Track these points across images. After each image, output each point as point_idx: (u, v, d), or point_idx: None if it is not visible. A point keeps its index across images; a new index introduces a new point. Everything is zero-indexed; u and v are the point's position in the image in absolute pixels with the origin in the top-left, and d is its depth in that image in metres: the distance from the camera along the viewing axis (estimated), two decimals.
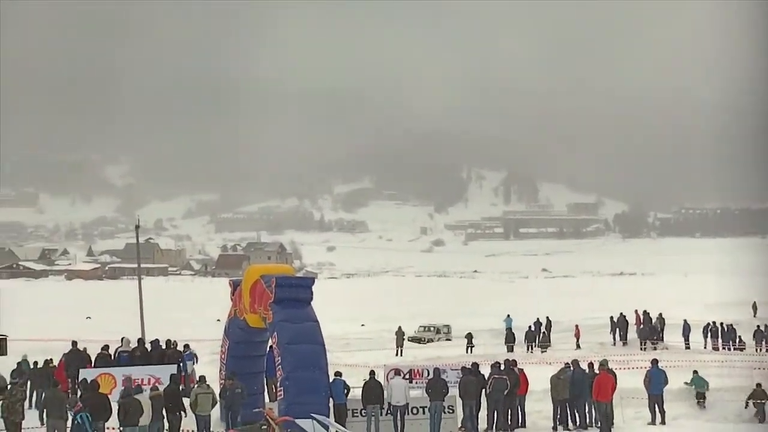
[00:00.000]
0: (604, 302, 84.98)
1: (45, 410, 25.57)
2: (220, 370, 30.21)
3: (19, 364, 36.38)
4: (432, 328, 65.93)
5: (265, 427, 24.59)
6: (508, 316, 61.06)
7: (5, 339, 36.45)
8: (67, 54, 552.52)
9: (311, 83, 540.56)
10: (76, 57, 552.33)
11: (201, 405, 26.51)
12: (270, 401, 30.00)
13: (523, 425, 29.34)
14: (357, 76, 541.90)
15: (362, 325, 74.16)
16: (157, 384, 29.20)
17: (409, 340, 61.11)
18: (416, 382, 33.64)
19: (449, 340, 62.85)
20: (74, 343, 35.44)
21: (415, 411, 28.93)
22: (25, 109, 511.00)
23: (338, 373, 28.63)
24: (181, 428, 26.68)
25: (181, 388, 28.93)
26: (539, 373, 32.67)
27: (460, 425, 28.92)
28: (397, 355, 54.62)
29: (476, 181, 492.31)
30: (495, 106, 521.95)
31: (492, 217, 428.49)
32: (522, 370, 30.31)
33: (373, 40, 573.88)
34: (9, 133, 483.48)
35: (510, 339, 56.03)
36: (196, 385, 27.56)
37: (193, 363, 36.70)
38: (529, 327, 57.83)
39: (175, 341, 35.80)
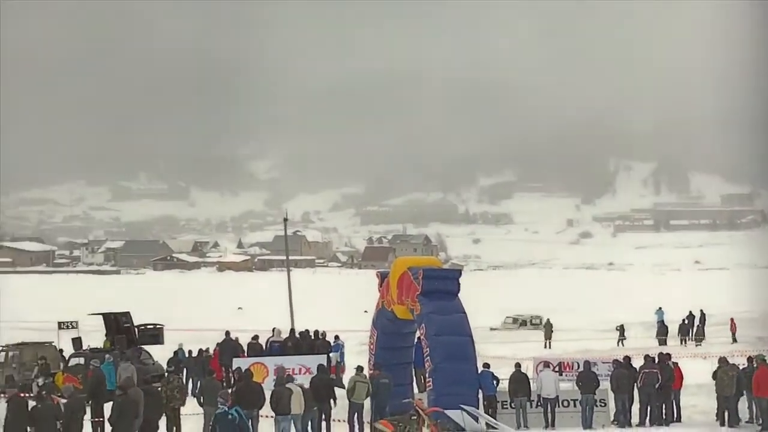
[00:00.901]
0: (761, 295, 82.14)
1: (202, 398, 26.19)
2: (369, 361, 30.37)
3: (175, 353, 37.44)
4: (517, 319, 65.81)
5: (414, 417, 24.61)
6: (660, 308, 59.60)
7: (162, 328, 37.49)
8: (215, 49, 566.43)
9: (455, 74, 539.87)
10: (225, 53, 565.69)
11: (357, 393, 26.72)
12: (419, 392, 30.03)
13: (678, 420, 28.57)
14: (500, 67, 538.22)
15: (508, 317, 73.71)
16: (308, 373, 29.65)
17: (490, 330, 61.56)
18: (566, 375, 33.17)
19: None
20: (227, 333, 36.27)
21: (565, 404, 28.55)
22: (179, 106, 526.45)
23: (487, 365, 28.47)
24: (332, 417, 26.96)
25: (331, 377, 29.25)
26: (694, 367, 31.78)
27: (612, 419, 28.40)
28: (545, 347, 54.07)
29: (624, 171, 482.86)
30: (643, 96, 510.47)
31: (641, 209, 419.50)
32: (677, 363, 29.49)
33: (514, 30, 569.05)
34: (163, 130, 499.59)
35: (662, 332, 54.77)
36: (354, 373, 27.79)
37: (342, 353, 37.10)
38: (683, 320, 56.40)
39: (324, 332, 36.21)
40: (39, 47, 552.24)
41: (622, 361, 29.25)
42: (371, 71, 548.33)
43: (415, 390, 30.48)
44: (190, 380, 35.07)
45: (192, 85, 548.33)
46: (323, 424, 26.78)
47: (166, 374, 28.94)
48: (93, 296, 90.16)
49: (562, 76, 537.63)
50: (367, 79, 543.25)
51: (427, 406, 25.44)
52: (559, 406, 28.28)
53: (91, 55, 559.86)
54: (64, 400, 23.15)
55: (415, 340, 30.11)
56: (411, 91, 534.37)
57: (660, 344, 51.66)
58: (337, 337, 37.80)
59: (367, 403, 27.33)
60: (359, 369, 27.94)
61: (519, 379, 28.23)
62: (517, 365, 29.10)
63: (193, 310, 72.45)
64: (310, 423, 25.89)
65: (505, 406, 28.19)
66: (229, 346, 34.46)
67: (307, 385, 26.50)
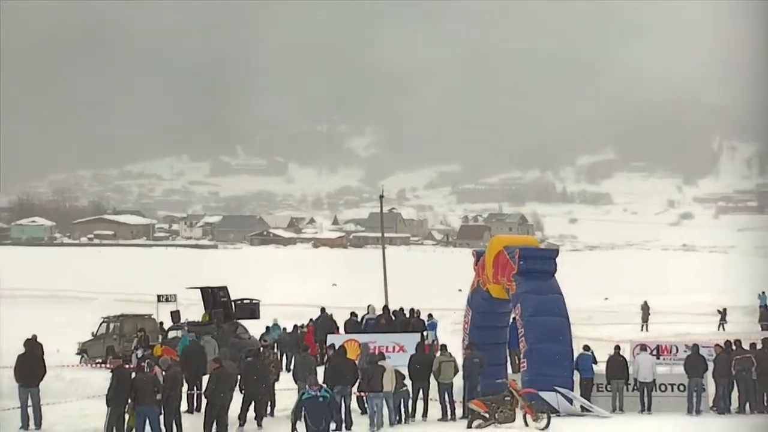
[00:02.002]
0: None
1: (296, 373, 26.36)
2: (463, 340, 30.21)
3: (268, 328, 37.77)
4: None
5: (508, 398, 24.41)
6: (763, 293, 58.03)
7: (258, 303, 37.86)
8: (315, 25, 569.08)
9: (554, 53, 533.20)
10: (323, 28, 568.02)
11: (444, 373, 26.57)
12: (513, 372, 29.78)
13: None
14: (599, 44, 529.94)
15: (606, 298, 72.67)
16: (401, 351, 29.61)
17: None
18: (664, 359, 32.54)
19: None
20: (323, 310, 36.44)
21: (663, 388, 28.00)
22: (279, 82, 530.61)
23: (587, 347, 28.14)
24: (429, 396, 26.87)
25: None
26: None
27: (711, 404, 27.77)
28: (642, 330, 53.18)
29: (728, 152, 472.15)
30: (746, 74, 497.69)
31: (745, 190, 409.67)
32: None
33: (615, 6, 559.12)
34: (263, 106, 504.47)
35: (765, 317, 53.37)
36: (439, 353, 27.66)
37: (436, 332, 36.98)
38: None
39: (418, 310, 36.12)
40: (136, 22, 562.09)
41: (723, 345, 28.59)
42: (467, 51, 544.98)
43: (509, 370, 30.22)
44: (284, 356, 35.35)
45: (292, 62, 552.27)
46: (420, 403, 26.68)
47: (261, 349, 29.18)
48: (191, 270, 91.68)
49: (667, 51, 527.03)
50: (464, 59, 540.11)
51: (521, 387, 25.23)
52: (656, 390, 27.76)
53: (190, 28, 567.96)
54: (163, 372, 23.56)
55: (510, 320, 29.87)
56: (508, 71, 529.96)
57: (762, 329, 50.34)
58: (430, 316, 37.69)
59: (458, 382, 27.16)
60: (444, 348, 27.79)
61: (617, 362, 27.79)
62: (617, 348, 28.65)
63: (289, 286, 73.06)
64: (402, 402, 25.81)
65: (600, 389, 27.78)
66: (324, 323, 34.61)
67: (400, 364, 26.46)
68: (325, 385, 20.80)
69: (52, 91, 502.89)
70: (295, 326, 37.36)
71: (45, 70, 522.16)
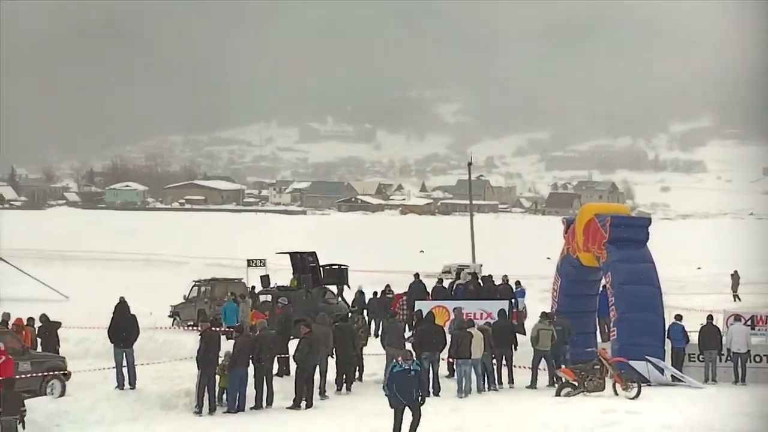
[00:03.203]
0: None
1: (384, 339, 26.48)
2: (552, 308, 30.00)
3: (362, 293, 37.93)
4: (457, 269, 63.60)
5: (597, 367, 24.20)
6: None
7: (346, 269, 38.03)
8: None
9: (652, 19, 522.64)
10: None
11: (542, 340, 26.41)
12: (602, 341, 29.50)
13: None
14: (695, 10, 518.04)
15: (698, 268, 71.37)
16: (489, 318, 29.50)
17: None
18: (759, 329, 31.81)
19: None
20: (416, 276, 36.49)
21: (757, 359, 27.45)
22: (367, 48, 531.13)
23: (679, 317, 27.70)
24: (513, 363, 26.79)
25: (513, 323, 29.04)
26: None
27: None
28: (734, 300, 52.16)
29: None
30: None
31: None
32: None
33: None
34: (352, 73, 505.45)
35: None
36: (538, 320, 27.48)
37: (524, 299, 36.77)
38: None
39: (506, 277, 35.92)
40: None
41: None
42: (559, 18, 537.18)
43: (599, 339, 29.93)
44: (372, 321, 35.51)
45: (380, 29, 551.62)
46: (504, 369, 26.63)
47: (349, 314, 29.36)
48: (280, 235, 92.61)
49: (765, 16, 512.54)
50: (556, 26, 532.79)
51: (610, 356, 24.98)
52: (750, 362, 27.23)
53: None
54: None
55: (600, 288, 29.56)
56: (600, 37, 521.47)
57: None
58: (518, 283, 37.47)
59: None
60: (543, 315, 27.59)
61: (710, 332, 27.31)
62: (709, 317, 28.13)
63: (376, 252, 73.36)
64: (484, 366, 25.75)
65: (692, 359, 27.36)
66: (416, 289, 34.65)
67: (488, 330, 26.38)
68: (415, 359, 20.59)
69: (146, 58, 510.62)
70: (383, 292, 37.45)
71: (137, 38, 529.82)
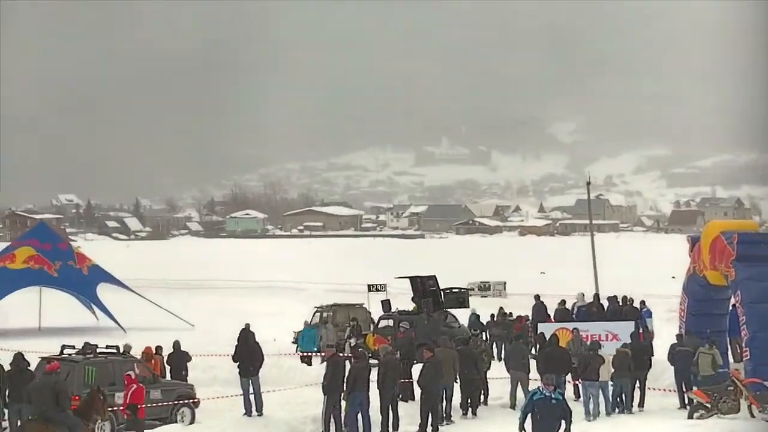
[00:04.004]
0: None
1: (508, 362, 26.24)
2: (680, 328, 29.28)
3: (493, 316, 37.71)
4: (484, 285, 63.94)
5: (731, 388, 23.51)
6: None
7: (467, 292, 37.90)
8: (522, 14, 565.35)
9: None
10: (531, 16, 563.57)
11: (702, 366, 25.58)
12: (734, 362, 28.64)
13: None
14: None
15: None
16: (614, 340, 28.97)
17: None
18: None
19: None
20: (537, 297, 36.10)
21: None
22: (480, 71, 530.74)
23: None
24: (646, 386, 26.19)
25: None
26: None
27: None
28: None
29: None
30: None
31: None
32: None
33: None
34: (466, 95, 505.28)
35: None
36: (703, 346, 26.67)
37: (651, 320, 36.01)
38: None
39: (631, 298, 35.25)
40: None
41: None
42: (675, 31, 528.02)
43: (731, 359, 29.07)
44: (494, 344, 35.27)
45: (495, 50, 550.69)
46: (637, 392, 26.05)
47: (471, 338, 29.16)
48: (398, 260, 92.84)
49: None
50: (672, 39, 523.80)
51: (744, 377, 24.22)
52: None
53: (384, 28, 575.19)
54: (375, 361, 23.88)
55: (730, 307, 28.75)
56: (722, 49, 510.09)
57: None
58: (643, 303, 36.71)
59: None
60: (706, 340, 26.70)
61: None
62: None
63: (496, 275, 72.82)
64: (619, 389, 25.23)
65: None
66: (538, 311, 34.32)
67: (612, 353, 25.88)
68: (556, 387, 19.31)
69: (263, 87, 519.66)
70: (505, 314, 37.20)
71: (252, 66, 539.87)
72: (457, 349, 25.47)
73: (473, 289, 61.44)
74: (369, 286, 42.71)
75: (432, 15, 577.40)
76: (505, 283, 66.62)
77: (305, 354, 34.49)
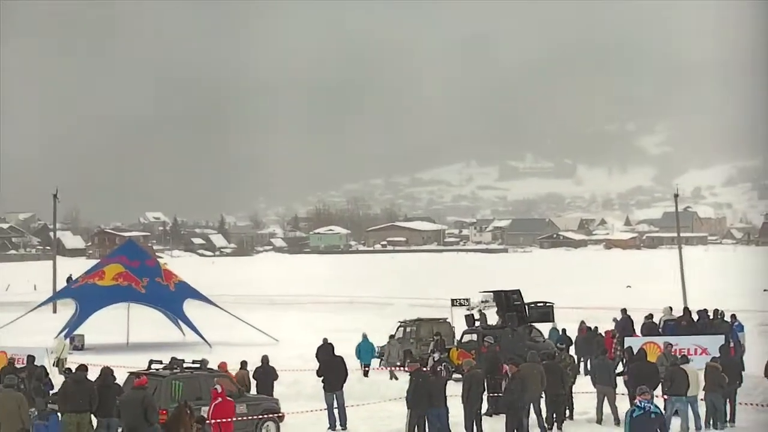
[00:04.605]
0: None
1: (594, 377, 25.86)
2: None
3: (563, 330, 37.26)
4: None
5: None
6: None
7: (552, 306, 37.47)
8: (606, 25, 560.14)
9: None
10: (614, 27, 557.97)
11: None
12: None
13: None
14: None
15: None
16: (704, 354, 28.37)
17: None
18: None
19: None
20: (623, 311, 35.58)
21: None
22: (565, 85, 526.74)
23: None
24: (737, 401, 25.55)
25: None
26: None
27: None
28: None
29: None
30: None
31: None
32: None
33: None
34: (552, 108, 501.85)
35: None
36: None
37: (744, 334, 35.20)
38: None
39: (722, 311, 34.50)
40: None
41: None
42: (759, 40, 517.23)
43: None
44: (581, 359, 34.82)
45: (574, 62, 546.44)
46: (728, 407, 25.40)
47: (556, 352, 28.81)
48: (482, 274, 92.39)
49: None
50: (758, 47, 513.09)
51: None
52: None
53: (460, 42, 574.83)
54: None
55: None
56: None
57: None
58: (734, 317, 35.89)
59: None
60: None
61: None
62: None
63: (581, 288, 72.01)
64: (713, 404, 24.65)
65: None
66: (626, 325, 33.81)
67: (701, 367, 25.31)
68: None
69: (344, 105, 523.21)
70: (590, 329, 36.72)
71: (342, 86, 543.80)
72: (543, 363, 25.18)
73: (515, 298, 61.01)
74: (453, 300, 42.52)
75: (515, 29, 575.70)
76: (519, 291, 64.79)
77: (364, 367, 34.56)
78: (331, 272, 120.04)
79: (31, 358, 28.02)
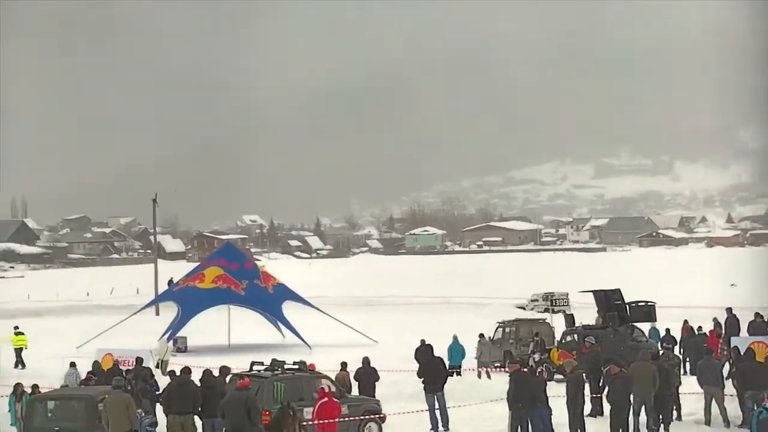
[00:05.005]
0: None
1: (700, 378, 25.30)
2: None
3: (667, 330, 36.64)
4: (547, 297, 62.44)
5: None
6: None
7: (654, 306, 36.80)
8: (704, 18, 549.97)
9: None
10: (713, 20, 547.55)
11: None
12: None
13: None
14: None
15: None
16: None
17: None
18: None
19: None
20: (729, 310, 34.85)
21: None
22: (661, 80, 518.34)
23: None
24: None
25: None
26: None
27: None
28: None
29: None
30: None
31: None
32: None
33: None
34: (646, 104, 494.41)
35: None
36: None
37: None
38: None
39: None
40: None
41: None
42: None
43: None
44: (686, 359, 34.17)
45: (668, 56, 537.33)
46: None
47: (661, 352, 28.25)
48: (580, 274, 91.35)
49: None
50: None
51: None
52: None
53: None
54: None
55: None
56: None
57: None
58: None
59: None
60: None
61: None
62: None
63: (683, 287, 70.72)
64: None
65: None
66: (733, 324, 33.04)
67: None
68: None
69: (438, 105, 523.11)
70: (692, 328, 36.03)
71: (427, 86, 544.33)
72: (656, 364, 24.70)
73: (563, 300, 61.69)
74: (551, 300, 42.15)
75: (609, 21, 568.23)
76: (567, 294, 64.87)
77: (453, 368, 34.29)
78: (427, 273, 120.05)
79: (139, 360, 28.65)
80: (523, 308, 65.57)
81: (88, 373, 27.22)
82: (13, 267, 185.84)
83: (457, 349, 35.15)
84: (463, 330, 40.68)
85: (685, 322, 37.18)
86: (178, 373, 22.77)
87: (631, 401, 23.02)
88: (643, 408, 23.24)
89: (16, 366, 39.93)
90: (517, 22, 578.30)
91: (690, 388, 26.09)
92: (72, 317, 67.80)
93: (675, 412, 25.31)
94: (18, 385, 25.44)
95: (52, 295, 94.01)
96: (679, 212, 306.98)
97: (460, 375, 34.17)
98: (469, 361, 36.88)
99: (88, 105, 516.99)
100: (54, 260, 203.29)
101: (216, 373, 23.51)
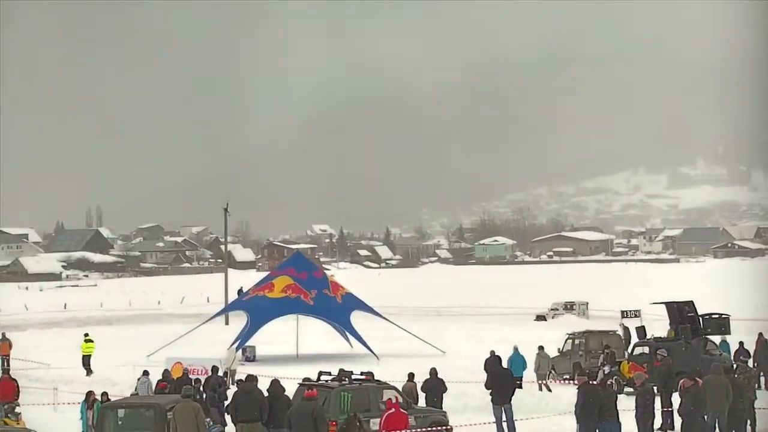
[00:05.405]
0: None
1: None
2: None
3: (741, 343, 35.91)
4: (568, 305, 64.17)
5: None
6: None
7: (728, 318, 36.09)
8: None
9: None
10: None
11: None
12: None
13: None
14: None
15: None
16: None
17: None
18: None
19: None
20: None
21: None
22: (736, 86, 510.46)
23: None
24: None
25: None
26: None
27: None
28: None
29: None
30: None
31: None
32: None
33: None
34: (720, 113, 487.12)
35: None
36: None
37: None
38: None
39: None
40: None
41: None
42: None
43: None
44: (761, 373, 33.41)
45: (743, 63, 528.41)
46: None
47: (736, 365, 27.67)
48: (653, 285, 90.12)
49: None
50: None
51: None
52: None
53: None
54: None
55: None
56: None
57: None
58: None
59: None
60: None
61: None
62: None
63: (759, 299, 69.25)
64: None
65: None
66: None
67: None
68: None
69: (507, 114, 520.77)
70: (765, 341, 35.18)
71: (487, 95, 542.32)
72: (729, 377, 24.22)
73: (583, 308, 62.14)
74: (622, 312, 41.62)
75: (690, 30, 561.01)
76: (587, 303, 67.03)
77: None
78: (496, 283, 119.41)
79: (214, 369, 28.85)
80: (544, 318, 65.87)
81: (162, 381, 27.43)
82: (87, 275, 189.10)
83: (517, 361, 34.79)
84: (530, 342, 40.36)
85: (760, 335, 36.35)
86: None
87: (705, 416, 22.58)
88: (716, 422, 22.75)
89: (87, 374, 40.49)
90: (601, 22, 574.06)
91: (766, 403, 25.55)
92: (143, 326, 68.61)
93: (749, 427, 24.77)
94: (90, 393, 25.73)
95: (124, 303, 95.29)
96: (756, 223, 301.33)
97: (521, 387, 33.83)
98: (530, 373, 36.59)
99: (165, 114, 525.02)
100: (127, 269, 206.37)
101: (284, 382, 23.55)
